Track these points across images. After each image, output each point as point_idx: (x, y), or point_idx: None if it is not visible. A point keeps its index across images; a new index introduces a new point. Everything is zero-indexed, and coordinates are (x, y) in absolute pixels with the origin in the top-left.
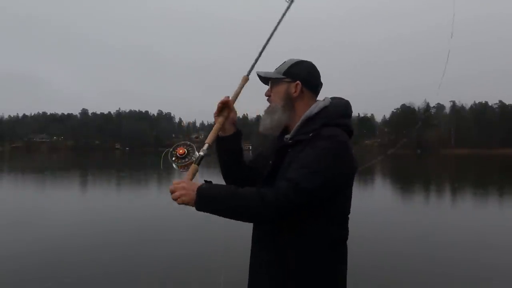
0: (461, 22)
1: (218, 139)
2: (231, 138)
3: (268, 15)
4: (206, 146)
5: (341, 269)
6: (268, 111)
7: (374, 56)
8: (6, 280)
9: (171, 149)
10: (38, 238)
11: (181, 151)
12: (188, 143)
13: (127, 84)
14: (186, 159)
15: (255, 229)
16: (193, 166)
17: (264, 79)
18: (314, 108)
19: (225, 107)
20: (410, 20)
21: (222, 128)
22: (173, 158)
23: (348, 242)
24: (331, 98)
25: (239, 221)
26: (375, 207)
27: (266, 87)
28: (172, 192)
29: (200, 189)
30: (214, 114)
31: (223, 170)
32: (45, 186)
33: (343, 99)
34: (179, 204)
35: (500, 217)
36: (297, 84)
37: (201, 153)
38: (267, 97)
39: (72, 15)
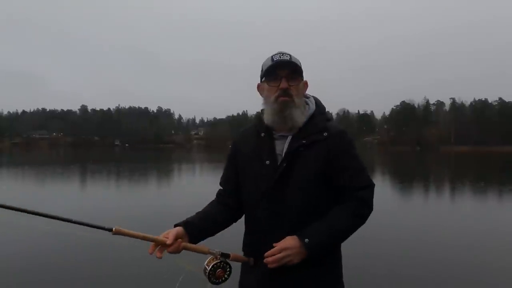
0: (462, 25)
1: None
2: (193, 234)
3: (263, 19)
4: (217, 252)
5: (341, 272)
6: (297, 105)
7: (373, 57)
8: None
9: (213, 279)
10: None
11: (220, 273)
12: (210, 266)
13: (127, 82)
14: (227, 271)
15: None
16: (237, 257)
17: (273, 71)
18: (312, 105)
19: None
20: (407, 23)
21: (183, 239)
22: (219, 280)
23: (347, 240)
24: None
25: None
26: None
27: (255, 82)
28: (274, 262)
29: (307, 245)
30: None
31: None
32: (44, 181)
33: (312, 95)
34: (279, 264)
35: (502, 217)
36: (306, 83)
37: (218, 255)
38: (282, 89)
39: (71, 14)
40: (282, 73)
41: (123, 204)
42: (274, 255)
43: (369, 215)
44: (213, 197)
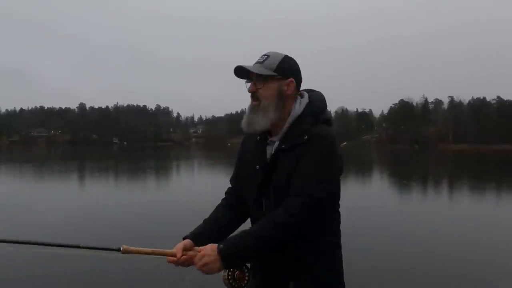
0: (461, 25)
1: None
2: (202, 245)
3: (263, 17)
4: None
5: (342, 270)
6: (261, 109)
7: (372, 56)
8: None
9: (235, 284)
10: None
11: (240, 275)
12: (227, 272)
13: (125, 80)
14: (246, 272)
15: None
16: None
17: (246, 73)
18: (299, 106)
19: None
20: (406, 23)
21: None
22: (243, 283)
23: (345, 240)
24: (304, 91)
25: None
26: (371, 203)
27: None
28: (195, 263)
29: (220, 250)
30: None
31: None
32: (44, 180)
33: (317, 91)
34: (205, 272)
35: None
36: (291, 82)
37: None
38: (251, 93)
39: (70, 12)
40: (252, 76)
41: (124, 202)
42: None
43: (293, 226)
44: (213, 195)
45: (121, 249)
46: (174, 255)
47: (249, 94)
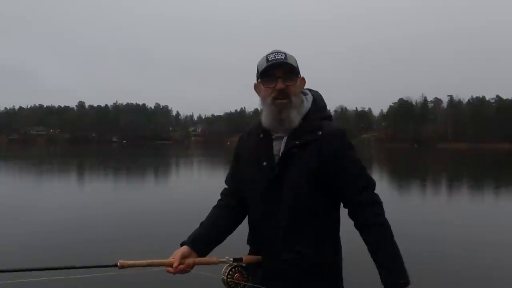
0: (461, 27)
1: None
2: (200, 250)
3: (263, 17)
4: (229, 259)
5: (341, 269)
6: (293, 106)
7: (372, 56)
8: None
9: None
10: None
11: (239, 278)
12: (226, 274)
13: (124, 78)
14: (245, 274)
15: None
16: (249, 258)
17: (286, 69)
18: (307, 103)
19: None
20: (406, 23)
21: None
22: (241, 285)
23: (345, 240)
24: (306, 90)
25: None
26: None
27: (253, 80)
28: None
29: (404, 283)
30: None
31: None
32: (45, 179)
33: (315, 90)
34: None
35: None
36: (303, 79)
37: (231, 261)
38: (279, 90)
39: (69, 12)
40: (278, 73)
41: (123, 201)
42: None
43: (383, 213)
44: (212, 192)
45: (118, 264)
46: (171, 265)
47: (261, 92)
